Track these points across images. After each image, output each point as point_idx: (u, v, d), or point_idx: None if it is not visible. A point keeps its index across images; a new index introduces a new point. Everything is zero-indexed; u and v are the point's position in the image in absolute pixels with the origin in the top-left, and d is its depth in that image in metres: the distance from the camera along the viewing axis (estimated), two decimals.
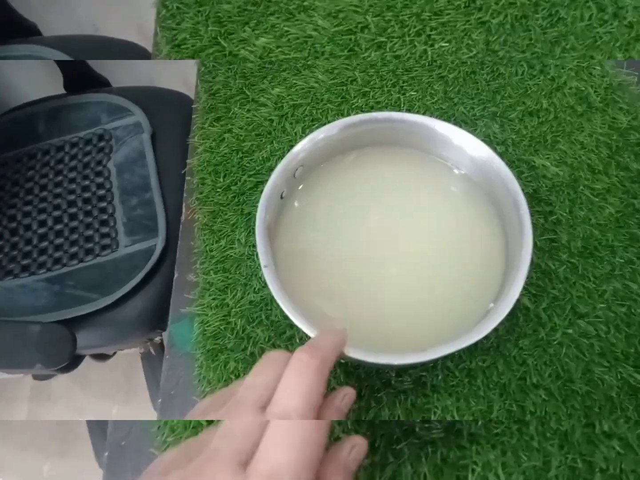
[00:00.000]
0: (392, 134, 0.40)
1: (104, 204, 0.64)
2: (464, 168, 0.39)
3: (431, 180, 0.40)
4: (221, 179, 0.45)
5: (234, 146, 0.46)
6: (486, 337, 0.30)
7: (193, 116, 0.50)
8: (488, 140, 0.43)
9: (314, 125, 0.46)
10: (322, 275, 0.37)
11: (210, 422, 0.34)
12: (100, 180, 0.66)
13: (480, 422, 0.33)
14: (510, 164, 0.39)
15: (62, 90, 0.77)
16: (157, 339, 0.68)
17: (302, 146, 0.38)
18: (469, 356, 0.36)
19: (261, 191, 0.36)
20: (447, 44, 0.47)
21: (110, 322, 0.58)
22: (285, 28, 0.49)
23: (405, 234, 0.38)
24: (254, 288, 0.40)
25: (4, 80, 0.90)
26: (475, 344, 0.30)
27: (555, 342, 0.36)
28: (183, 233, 0.44)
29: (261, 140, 0.46)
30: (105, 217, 0.63)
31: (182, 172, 0.47)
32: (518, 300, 0.31)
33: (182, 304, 0.41)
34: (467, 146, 0.38)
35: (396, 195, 0.39)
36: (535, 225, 0.38)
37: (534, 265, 0.38)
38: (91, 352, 0.65)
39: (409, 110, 0.46)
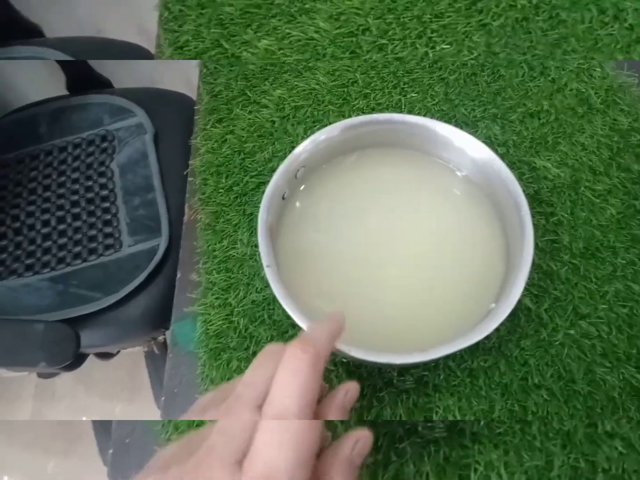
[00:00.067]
0: (393, 135, 0.40)
1: (107, 204, 0.64)
2: (465, 169, 0.40)
3: (432, 181, 0.40)
4: (223, 180, 0.45)
5: (236, 147, 0.46)
6: (488, 338, 0.30)
7: (195, 117, 0.50)
8: (489, 141, 0.43)
9: (315, 126, 0.46)
10: (323, 276, 0.37)
11: None
12: (103, 180, 0.66)
13: (482, 422, 0.33)
14: (511, 165, 0.39)
15: (65, 92, 0.77)
16: (161, 337, 0.68)
17: (303, 147, 0.38)
18: (470, 356, 0.36)
19: (263, 192, 0.36)
20: (448, 46, 0.47)
21: (113, 321, 0.58)
22: (287, 30, 0.49)
23: (406, 235, 0.38)
24: (257, 288, 0.40)
25: (7, 81, 0.91)
26: (477, 344, 0.30)
27: (556, 343, 0.36)
28: (186, 233, 0.45)
29: (263, 142, 0.46)
30: (108, 217, 0.64)
31: (185, 172, 0.48)
32: (519, 301, 0.31)
33: (185, 304, 0.41)
34: (468, 148, 0.38)
35: (397, 197, 0.40)
36: (536, 226, 0.38)
37: (535, 266, 0.38)
38: (95, 350, 0.66)
39: (409, 112, 0.46)
